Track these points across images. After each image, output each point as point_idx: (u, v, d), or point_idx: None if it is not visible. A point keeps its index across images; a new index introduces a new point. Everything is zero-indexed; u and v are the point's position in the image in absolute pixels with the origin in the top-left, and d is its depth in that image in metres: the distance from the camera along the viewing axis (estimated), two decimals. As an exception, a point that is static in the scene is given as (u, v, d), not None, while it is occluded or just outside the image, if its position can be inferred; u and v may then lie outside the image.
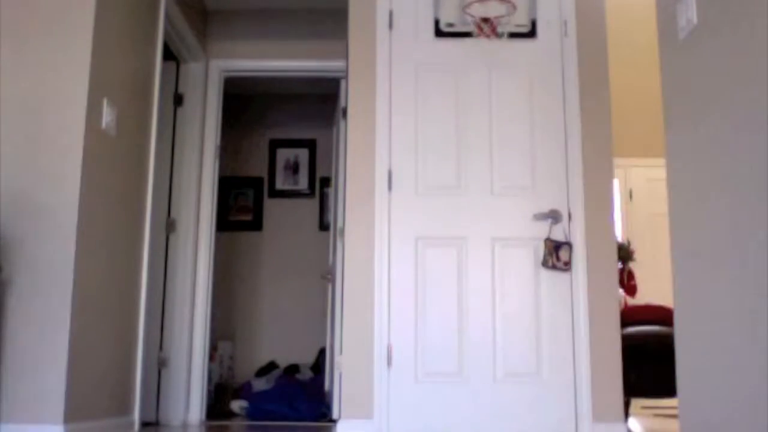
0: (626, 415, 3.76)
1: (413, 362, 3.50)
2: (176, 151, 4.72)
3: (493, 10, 3.61)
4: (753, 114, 1.89)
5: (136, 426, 3.62)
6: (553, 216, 3.59)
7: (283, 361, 6.10)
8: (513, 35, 3.72)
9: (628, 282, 4.40)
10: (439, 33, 3.79)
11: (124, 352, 3.54)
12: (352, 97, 3.76)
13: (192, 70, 4.85)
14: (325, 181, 6.46)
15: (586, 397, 3.46)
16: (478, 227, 3.61)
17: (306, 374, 5.83)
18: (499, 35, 3.64)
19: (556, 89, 3.73)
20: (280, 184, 6.62)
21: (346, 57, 3.90)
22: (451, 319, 3.53)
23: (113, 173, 3.40)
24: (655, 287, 4.31)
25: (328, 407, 4.76)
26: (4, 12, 3.13)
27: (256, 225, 6.55)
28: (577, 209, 3.61)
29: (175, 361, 4.52)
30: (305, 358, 6.10)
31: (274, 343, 6.25)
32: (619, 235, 5.47)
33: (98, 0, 3.20)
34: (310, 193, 6.59)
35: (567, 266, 3.54)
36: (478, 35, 3.65)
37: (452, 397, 3.47)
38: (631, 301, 4.44)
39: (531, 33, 3.77)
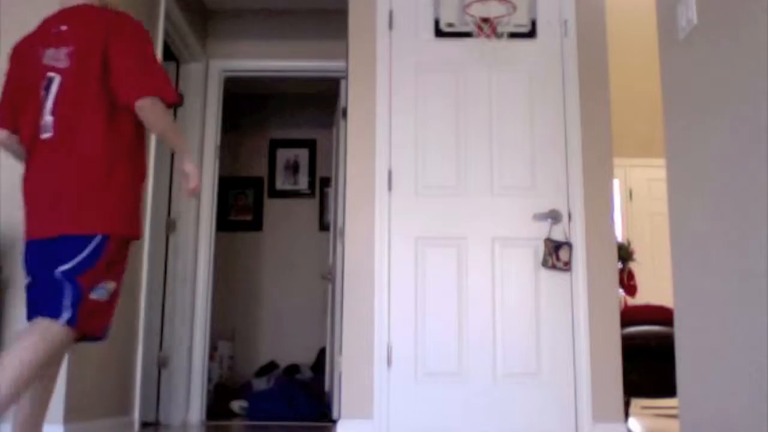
0: (626, 415, 3.75)
1: (413, 362, 3.50)
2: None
3: (493, 10, 3.60)
4: (753, 113, 1.88)
5: (136, 426, 3.62)
6: (553, 216, 3.59)
7: (283, 361, 6.09)
8: (513, 35, 3.71)
9: (628, 282, 4.39)
10: (439, 33, 3.79)
11: (124, 352, 3.54)
12: (352, 97, 3.76)
13: (192, 70, 4.85)
14: (325, 181, 6.45)
15: (586, 397, 3.46)
16: (478, 227, 3.60)
17: (306, 374, 5.82)
18: (499, 35, 3.64)
19: (556, 89, 3.72)
20: (280, 184, 6.62)
21: (346, 57, 3.89)
22: (451, 319, 3.53)
23: (113, 173, 3.40)
24: (655, 287, 4.30)
25: (328, 407, 4.76)
26: (4, 12, 3.13)
27: (256, 225, 6.55)
28: (577, 209, 3.60)
29: (175, 361, 4.52)
30: (305, 358, 6.09)
31: (274, 343, 6.24)
32: (619, 235, 5.47)
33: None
34: (310, 193, 6.59)
35: (567, 266, 3.54)
36: (478, 35, 3.64)
37: (452, 396, 3.46)
38: (631, 301, 4.44)
39: (531, 33, 3.77)
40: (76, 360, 2.97)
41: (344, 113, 4.28)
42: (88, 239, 2.00)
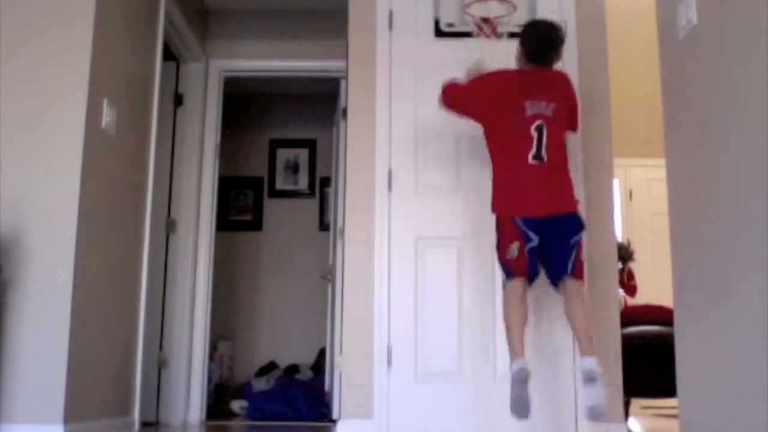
0: (626, 415, 3.75)
1: (413, 362, 3.50)
2: (176, 151, 4.72)
3: (493, 10, 3.60)
4: (752, 113, 1.89)
5: (136, 426, 3.62)
6: (553, 216, 3.58)
7: (283, 361, 6.09)
8: (513, 35, 3.71)
9: (628, 282, 4.39)
10: (439, 33, 3.78)
11: (124, 352, 3.54)
12: (352, 97, 3.75)
13: (192, 70, 4.85)
14: (325, 181, 6.45)
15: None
16: (478, 227, 3.60)
17: (306, 374, 5.82)
18: (498, 35, 3.64)
19: (556, 89, 3.71)
20: (280, 184, 6.62)
21: (346, 57, 3.89)
22: (451, 319, 3.52)
23: (113, 173, 3.40)
24: (655, 287, 4.30)
25: (328, 407, 4.76)
26: (4, 12, 3.13)
27: (256, 225, 6.55)
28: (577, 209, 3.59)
29: (175, 361, 4.52)
30: (305, 358, 6.10)
31: (274, 343, 6.24)
32: (619, 235, 5.47)
33: (98, 0, 3.20)
34: (310, 193, 6.59)
35: (567, 266, 3.53)
36: (478, 35, 3.64)
37: (452, 397, 3.46)
38: (631, 301, 4.44)
39: (531, 33, 3.76)
40: (76, 360, 2.97)
41: (344, 113, 4.28)
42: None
